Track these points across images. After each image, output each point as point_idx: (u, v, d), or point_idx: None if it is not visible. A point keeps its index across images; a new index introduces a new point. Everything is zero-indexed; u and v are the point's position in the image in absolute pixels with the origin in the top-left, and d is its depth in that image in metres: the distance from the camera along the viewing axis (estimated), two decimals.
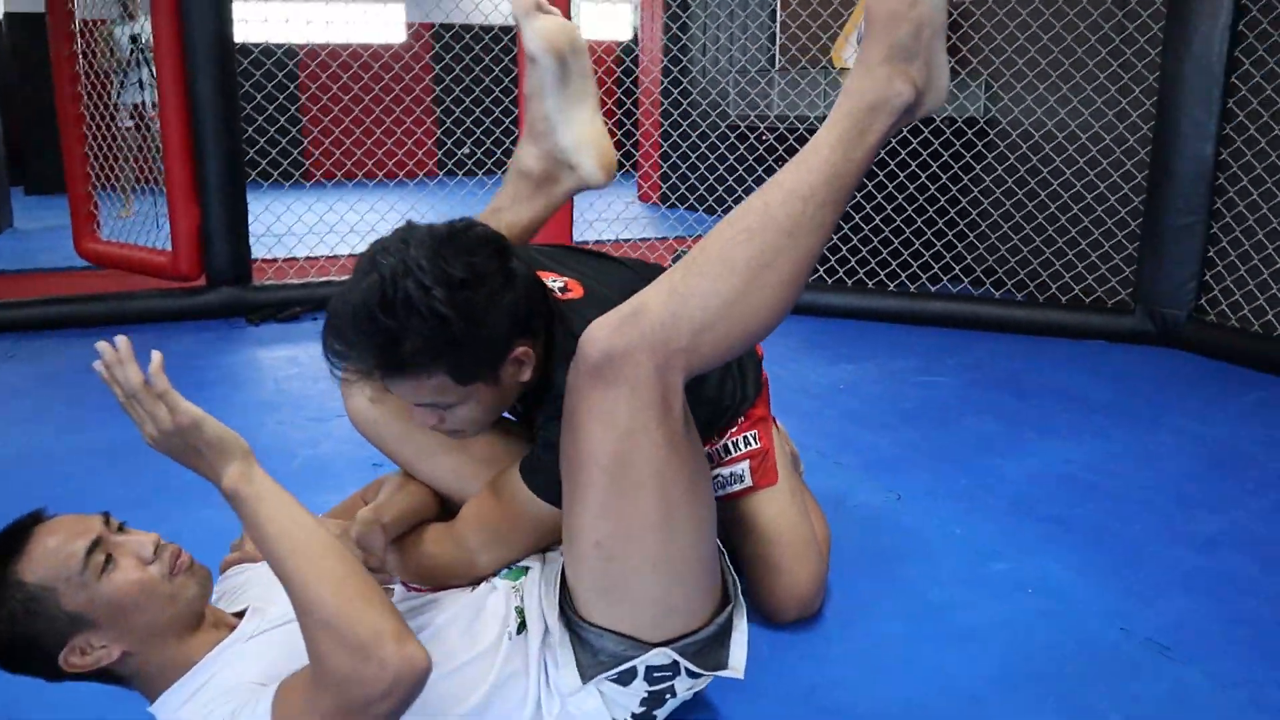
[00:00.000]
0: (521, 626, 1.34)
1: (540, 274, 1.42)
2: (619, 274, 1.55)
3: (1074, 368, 3.50)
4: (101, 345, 1.11)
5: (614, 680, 1.29)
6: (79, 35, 4.58)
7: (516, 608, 1.35)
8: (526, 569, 1.41)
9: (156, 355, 1.10)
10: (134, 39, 6.49)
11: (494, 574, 1.42)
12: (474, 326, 1.20)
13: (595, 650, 1.28)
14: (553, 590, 1.35)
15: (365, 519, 1.38)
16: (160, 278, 4.11)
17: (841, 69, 5.10)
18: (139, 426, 1.13)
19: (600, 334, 1.14)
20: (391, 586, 1.42)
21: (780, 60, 6.07)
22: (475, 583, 1.41)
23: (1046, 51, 4.36)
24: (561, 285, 1.43)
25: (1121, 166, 4.15)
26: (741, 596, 1.39)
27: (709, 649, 1.32)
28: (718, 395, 1.65)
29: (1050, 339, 3.87)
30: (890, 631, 1.76)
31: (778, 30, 6.14)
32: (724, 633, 1.34)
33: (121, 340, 1.11)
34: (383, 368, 1.21)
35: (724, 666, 1.33)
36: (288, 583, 1.11)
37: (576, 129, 1.53)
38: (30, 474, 2.44)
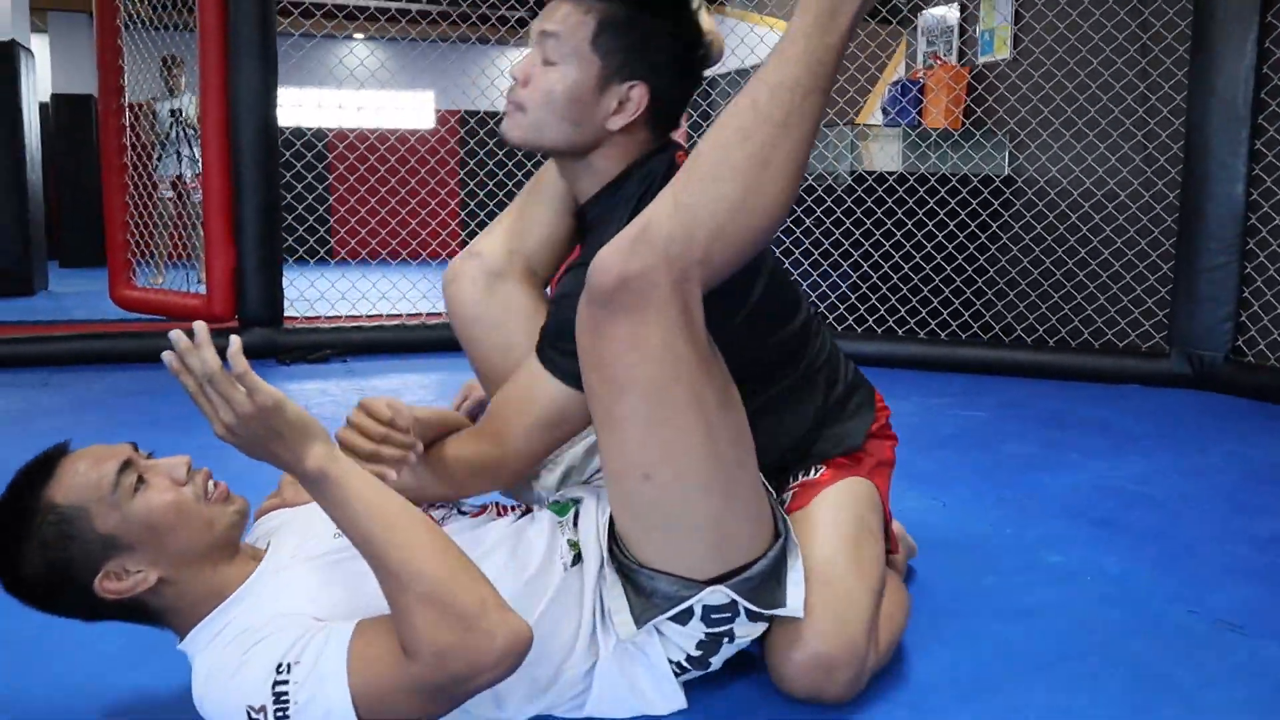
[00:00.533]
0: (576, 559, 1.29)
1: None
2: None
3: (1113, 406, 3.45)
4: (175, 334, 1.04)
5: (671, 619, 1.23)
6: (127, 111, 4.76)
7: (570, 540, 1.31)
8: (573, 502, 1.37)
9: (235, 339, 1.06)
10: (174, 113, 6.70)
11: (530, 484, 1.37)
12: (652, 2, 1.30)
13: (649, 593, 1.23)
14: (604, 527, 1.30)
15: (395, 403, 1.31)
16: (194, 319, 4.15)
17: (867, 124, 5.18)
18: (211, 418, 1.06)
19: (612, 259, 1.10)
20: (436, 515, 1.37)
21: None
22: (506, 506, 1.38)
23: (1071, 100, 4.42)
24: None
25: (1151, 211, 4.16)
26: (793, 534, 1.34)
27: (765, 587, 1.26)
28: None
29: (1087, 384, 3.83)
30: (948, 608, 1.69)
31: None
32: (778, 569, 1.28)
33: (199, 325, 1.05)
34: None
35: (782, 605, 1.27)
36: (383, 559, 1.06)
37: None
38: None
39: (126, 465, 1.14)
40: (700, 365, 1.16)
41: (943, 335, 4.35)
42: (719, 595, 1.22)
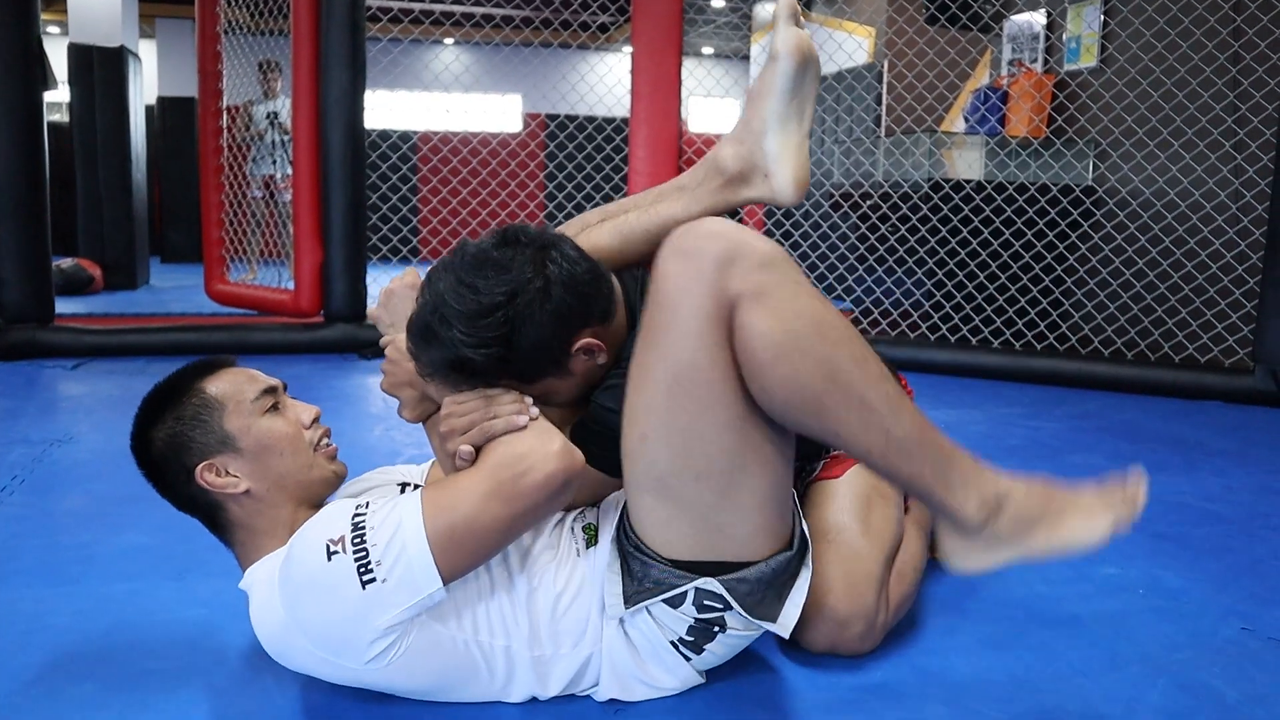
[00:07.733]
0: (590, 542, 1.34)
1: None
2: None
3: (1189, 422, 3.38)
4: None
5: (664, 602, 1.26)
6: (224, 114, 4.98)
7: (585, 526, 1.36)
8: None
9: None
10: (270, 116, 6.96)
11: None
12: (508, 349, 1.24)
13: (640, 577, 1.26)
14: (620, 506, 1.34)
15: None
16: (282, 314, 4.32)
17: (946, 131, 5.14)
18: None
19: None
20: None
21: (886, 120, 6.16)
22: None
23: (1157, 109, 4.33)
24: None
25: (1238, 223, 4.05)
26: (810, 559, 1.34)
27: (763, 597, 1.26)
28: None
29: (1165, 399, 3.75)
30: (996, 614, 1.70)
31: (884, 95, 6.26)
32: (782, 584, 1.28)
33: None
34: (451, 375, 1.26)
35: (773, 620, 1.27)
36: None
37: (785, 139, 1.49)
38: None
39: (271, 390, 1.33)
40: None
41: (1017, 346, 4.29)
42: (711, 585, 1.24)
